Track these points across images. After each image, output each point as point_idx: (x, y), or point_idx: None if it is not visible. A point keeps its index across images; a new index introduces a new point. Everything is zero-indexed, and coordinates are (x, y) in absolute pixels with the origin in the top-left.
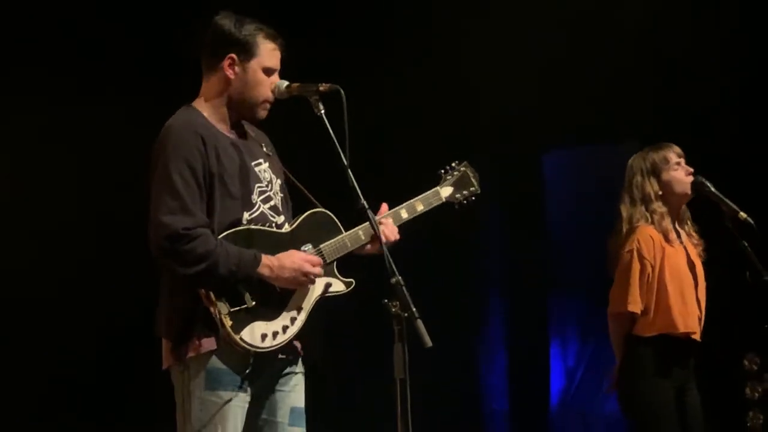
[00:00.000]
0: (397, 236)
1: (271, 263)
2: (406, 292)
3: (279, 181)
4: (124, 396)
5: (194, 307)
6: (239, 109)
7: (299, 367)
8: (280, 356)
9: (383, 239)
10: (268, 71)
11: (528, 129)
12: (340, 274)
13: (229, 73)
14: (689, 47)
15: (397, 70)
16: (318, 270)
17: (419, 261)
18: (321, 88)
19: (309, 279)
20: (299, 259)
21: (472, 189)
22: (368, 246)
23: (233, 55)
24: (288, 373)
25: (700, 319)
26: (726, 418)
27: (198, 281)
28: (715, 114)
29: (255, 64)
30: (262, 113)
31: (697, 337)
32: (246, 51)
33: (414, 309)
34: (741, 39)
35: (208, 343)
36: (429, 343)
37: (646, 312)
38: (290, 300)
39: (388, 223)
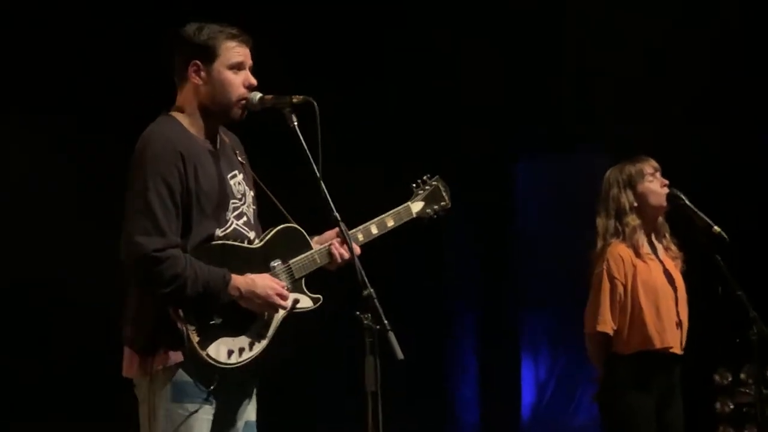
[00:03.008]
0: (358, 252)
1: (240, 286)
2: (378, 304)
3: (251, 193)
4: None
5: (161, 320)
6: (214, 114)
7: (256, 381)
8: (242, 373)
9: (339, 258)
10: (234, 68)
11: (499, 140)
12: (309, 288)
13: (196, 80)
14: (662, 58)
15: (368, 79)
16: (286, 303)
17: (390, 273)
18: (294, 100)
19: (275, 309)
20: (270, 288)
21: (443, 204)
22: (336, 259)
23: (197, 61)
24: (247, 387)
25: (681, 332)
26: None
27: (166, 300)
28: (688, 126)
29: (218, 66)
30: (238, 112)
31: (676, 350)
32: (207, 55)
33: (386, 321)
34: (715, 47)
35: (176, 356)
36: (401, 355)
37: (621, 331)
38: (257, 317)
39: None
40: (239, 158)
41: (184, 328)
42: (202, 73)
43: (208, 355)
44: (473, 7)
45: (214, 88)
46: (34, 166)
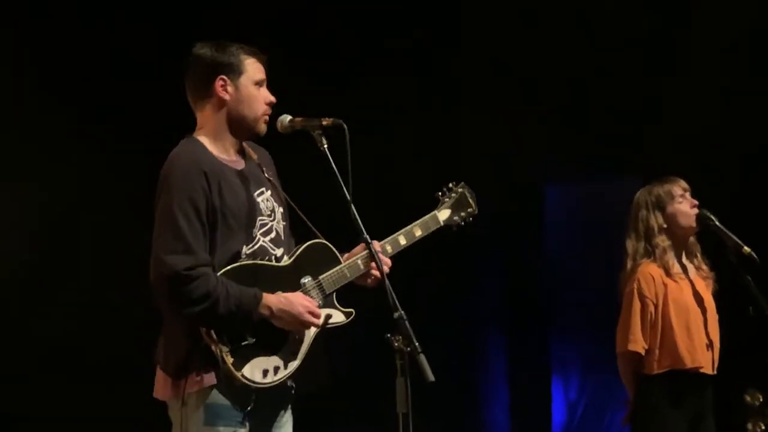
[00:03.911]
0: (389, 264)
1: (271, 304)
2: (408, 326)
3: (281, 210)
4: None
5: (194, 343)
6: (240, 129)
7: (291, 401)
8: (278, 390)
9: (378, 273)
10: (258, 84)
11: (530, 162)
12: (340, 303)
13: (223, 94)
14: (693, 80)
15: (399, 98)
16: (318, 321)
17: (419, 296)
18: (324, 123)
19: (307, 327)
20: (301, 306)
21: (469, 210)
22: (369, 280)
23: (223, 77)
24: (282, 407)
25: (712, 352)
26: None
27: (197, 320)
28: (718, 149)
29: (245, 80)
30: (263, 127)
31: (707, 370)
32: (234, 70)
33: (416, 343)
34: (742, 73)
35: (209, 379)
36: (431, 377)
37: (652, 350)
38: (290, 334)
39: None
40: (266, 175)
41: (217, 350)
42: (229, 88)
43: (243, 375)
44: (508, 31)
45: (242, 102)
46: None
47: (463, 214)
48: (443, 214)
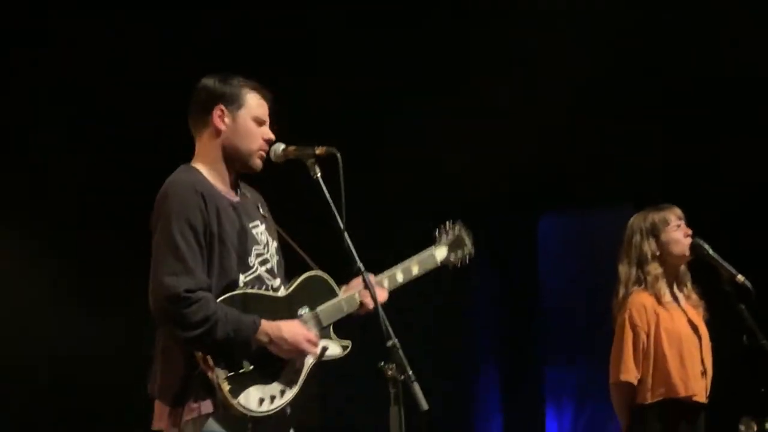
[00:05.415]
0: (385, 297)
1: (269, 331)
2: (402, 354)
3: (275, 244)
4: None
5: (191, 370)
6: (234, 161)
7: (293, 425)
8: (275, 420)
9: (371, 304)
10: (257, 121)
11: (523, 194)
12: (336, 336)
13: (219, 124)
14: (687, 113)
15: (391, 132)
16: (315, 349)
17: (413, 327)
18: (317, 152)
19: (304, 355)
20: (299, 335)
21: (466, 249)
22: (362, 309)
23: (222, 106)
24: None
25: (705, 380)
26: None
27: (196, 345)
28: (711, 180)
29: (244, 113)
30: (257, 162)
31: (700, 399)
32: (233, 101)
33: (410, 372)
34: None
35: (206, 406)
36: (425, 406)
37: (644, 379)
38: (287, 364)
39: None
40: (261, 211)
41: (214, 377)
42: (227, 119)
43: (239, 403)
44: (498, 68)
45: (238, 134)
46: None
47: (460, 253)
48: (440, 252)
